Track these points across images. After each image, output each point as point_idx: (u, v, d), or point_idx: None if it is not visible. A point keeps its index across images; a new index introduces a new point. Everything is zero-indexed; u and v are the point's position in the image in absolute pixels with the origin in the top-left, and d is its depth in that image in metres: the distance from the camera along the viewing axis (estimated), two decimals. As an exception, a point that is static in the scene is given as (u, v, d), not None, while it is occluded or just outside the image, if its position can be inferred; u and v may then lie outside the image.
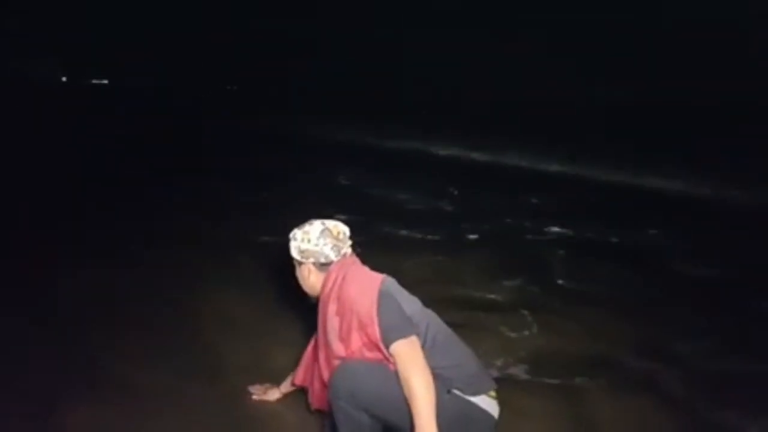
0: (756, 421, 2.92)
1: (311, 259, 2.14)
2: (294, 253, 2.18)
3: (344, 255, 2.16)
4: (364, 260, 2.34)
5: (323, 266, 2.14)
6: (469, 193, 8.33)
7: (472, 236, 6.22)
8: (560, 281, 4.88)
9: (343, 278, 2.08)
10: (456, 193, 8.36)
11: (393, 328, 1.95)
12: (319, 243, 2.12)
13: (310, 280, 2.17)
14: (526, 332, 3.68)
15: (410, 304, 2.10)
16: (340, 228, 2.19)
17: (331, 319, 2.05)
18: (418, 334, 2.00)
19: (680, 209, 8.68)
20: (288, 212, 6.25)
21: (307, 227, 2.17)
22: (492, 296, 4.38)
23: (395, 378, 1.96)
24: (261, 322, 3.65)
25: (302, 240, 2.14)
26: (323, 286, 2.13)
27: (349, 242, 2.20)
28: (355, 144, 12.86)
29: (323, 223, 2.17)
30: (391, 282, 2.12)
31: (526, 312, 4.04)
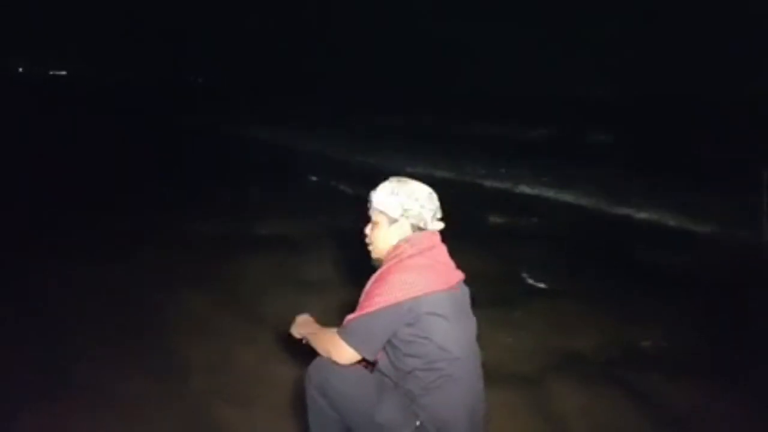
0: (722, 412, 2.87)
1: (411, 220, 1.91)
2: (392, 208, 1.92)
3: (431, 231, 1.96)
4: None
5: (418, 230, 1.93)
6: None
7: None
8: (526, 277, 4.75)
9: (413, 255, 1.86)
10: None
11: (359, 333, 1.83)
12: (425, 205, 1.91)
13: (388, 241, 1.95)
14: (494, 328, 3.65)
15: (445, 332, 1.81)
16: (435, 196, 1.99)
17: (370, 282, 1.91)
18: (373, 362, 1.88)
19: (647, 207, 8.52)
20: (265, 213, 6.22)
21: (413, 184, 1.95)
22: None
23: (369, 383, 1.89)
24: (226, 322, 3.57)
25: (408, 197, 1.91)
26: (396, 247, 1.92)
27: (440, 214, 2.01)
28: (323, 153, 12.80)
29: (426, 187, 1.97)
30: (434, 301, 1.81)
31: (492, 308, 4.03)
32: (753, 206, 6.01)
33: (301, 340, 2.07)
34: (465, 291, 1.99)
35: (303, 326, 2.08)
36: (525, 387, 2.97)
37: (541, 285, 4.57)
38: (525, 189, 9.19)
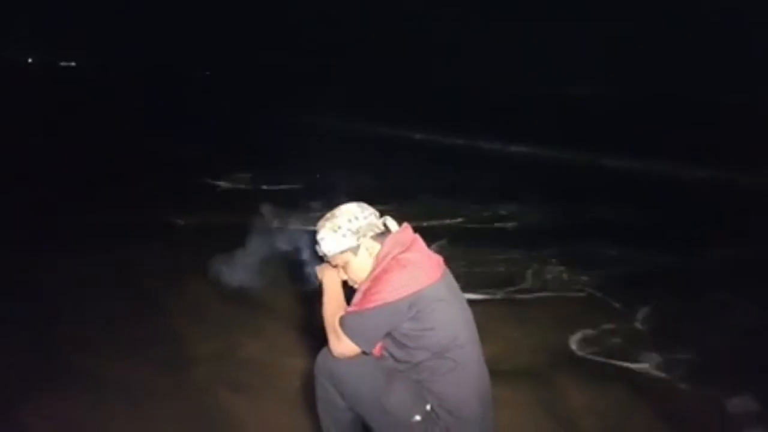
0: (732, 410, 2.88)
1: (369, 233, 1.95)
2: (348, 240, 1.93)
3: (395, 231, 1.97)
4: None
5: (380, 236, 1.95)
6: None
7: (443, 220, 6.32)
8: (531, 269, 4.81)
9: (402, 252, 1.89)
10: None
11: (359, 328, 1.85)
12: (367, 216, 1.96)
13: (367, 264, 1.96)
14: (499, 321, 3.65)
15: (448, 321, 1.87)
16: (362, 203, 2.04)
17: (366, 280, 1.92)
18: (373, 355, 1.90)
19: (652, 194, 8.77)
20: (257, 201, 6.25)
21: (338, 214, 1.96)
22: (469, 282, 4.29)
23: (378, 371, 1.90)
24: (232, 312, 3.60)
25: (350, 221, 1.94)
26: (379, 254, 1.93)
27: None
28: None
29: (341, 207, 1.98)
30: (434, 293, 1.86)
31: (497, 299, 4.03)
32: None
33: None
34: (450, 274, 2.01)
35: (329, 278, 2.01)
36: (530, 380, 3.00)
37: (546, 276, 4.63)
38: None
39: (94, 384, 2.74)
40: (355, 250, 1.95)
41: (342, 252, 1.95)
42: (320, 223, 1.98)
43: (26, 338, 3.13)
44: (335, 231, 1.93)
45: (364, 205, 2.00)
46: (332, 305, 1.95)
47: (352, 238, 1.93)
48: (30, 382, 2.70)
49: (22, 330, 3.21)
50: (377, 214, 2.01)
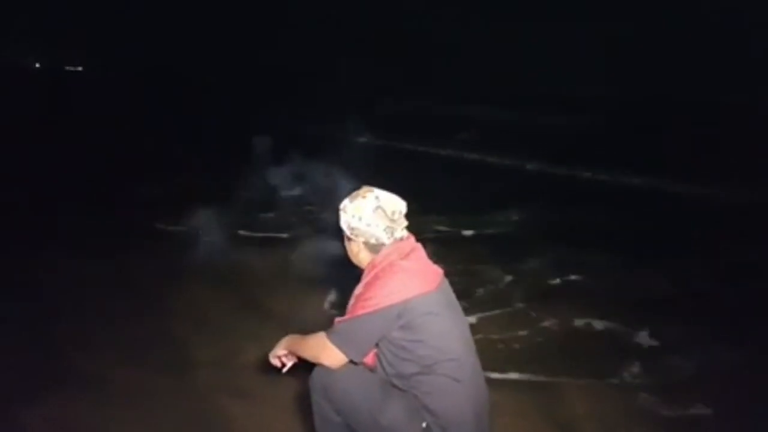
0: (729, 418, 2.88)
1: (361, 239, 1.92)
2: (343, 227, 1.96)
3: (399, 239, 1.92)
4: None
5: (374, 247, 1.93)
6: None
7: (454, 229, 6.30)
8: (538, 275, 4.81)
9: (399, 259, 1.87)
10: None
11: (347, 335, 1.85)
12: (371, 223, 1.88)
13: (360, 256, 1.97)
14: (501, 329, 3.65)
15: (440, 333, 1.84)
16: (395, 205, 1.92)
17: (360, 286, 1.93)
18: (364, 363, 1.91)
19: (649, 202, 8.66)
20: (258, 207, 6.30)
21: (359, 201, 1.90)
22: (469, 290, 4.31)
23: (373, 385, 1.90)
24: (232, 317, 3.62)
25: (353, 216, 1.90)
26: (371, 262, 1.92)
27: (405, 222, 1.94)
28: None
29: (377, 198, 1.90)
30: (426, 302, 1.83)
31: (501, 307, 4.02)
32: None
33: (281, 367, 2.08)
34: (448, 286, 1.99)
35: (286, 343, 2.06)
36: (531, 388, 3.00)
37: (552, 282, 4.61)
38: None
39: (94, 385, 2.76)
40: (347, 237, 1.98)
41: (341, 228, 1.98)
42: (360, 190, 1.96)
43: (26, 338, 3.14)
44: (343, 211, 1.95)
45: (382, 213, 1.89)
46: (308, 341, 1.96)
47: (347, 229, 1.95)
48: (30, 383, 2.71)
49: (22, 330, 3.23)
50: (394, 228, 1.90)
